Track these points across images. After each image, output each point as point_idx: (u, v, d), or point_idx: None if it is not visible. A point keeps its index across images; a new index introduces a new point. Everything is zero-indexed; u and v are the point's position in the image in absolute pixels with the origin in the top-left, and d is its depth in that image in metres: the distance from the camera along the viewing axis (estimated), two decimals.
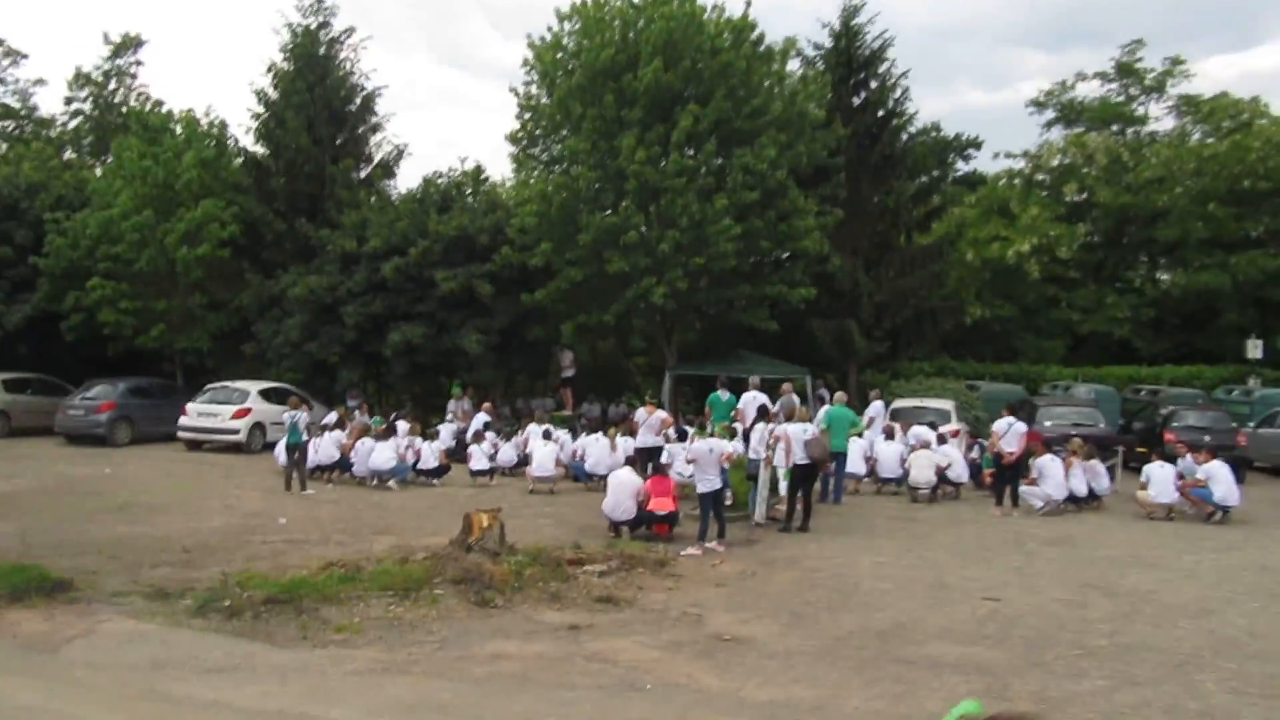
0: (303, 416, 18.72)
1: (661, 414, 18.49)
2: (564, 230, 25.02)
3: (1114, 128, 40.00)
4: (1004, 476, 17.52)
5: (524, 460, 21.39)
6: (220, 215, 28.33)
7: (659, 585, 11.58)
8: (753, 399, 20.60)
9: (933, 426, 21.31)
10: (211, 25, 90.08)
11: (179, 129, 30.47)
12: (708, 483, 13.61)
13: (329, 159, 30.13)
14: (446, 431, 22.83)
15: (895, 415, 22.73)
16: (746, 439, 20.13)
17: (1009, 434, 17.19)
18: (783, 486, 16.16)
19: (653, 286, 23.82)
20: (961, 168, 40.72)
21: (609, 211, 24.74)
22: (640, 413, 18.65)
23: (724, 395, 20.99)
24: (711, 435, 14.64)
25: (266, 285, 28.81)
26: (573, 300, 26.26)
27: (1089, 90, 41.16)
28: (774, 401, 20.52)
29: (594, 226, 24.09)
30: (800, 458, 15.17)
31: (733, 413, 20.83)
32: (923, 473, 18.62)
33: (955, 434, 20.96)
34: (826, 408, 18.67)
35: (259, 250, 30.14)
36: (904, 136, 29.91)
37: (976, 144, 43.45)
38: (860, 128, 28.69)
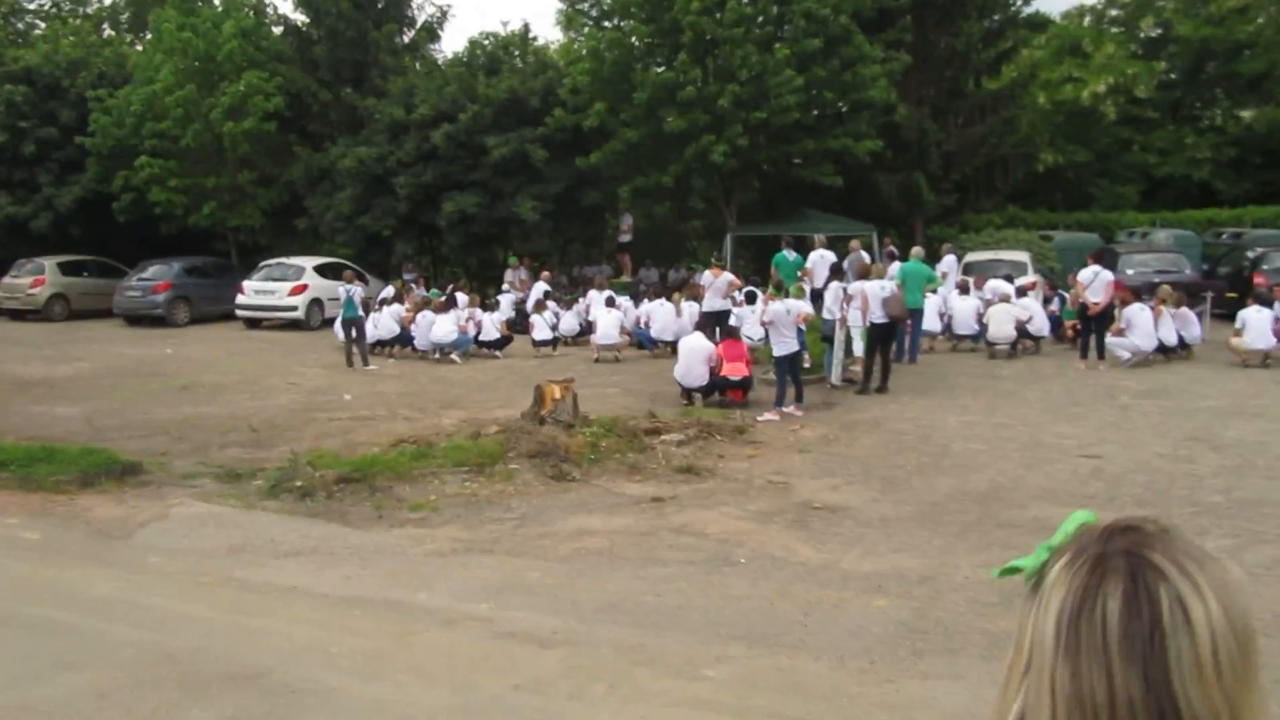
0: (358, 291, 18.36)
1: (728, 276, 17.85)
2: (618, 89, 24.06)
3: None
4: (1089, 328, 16.76)
5: (586, 329, 21.08)
6: (264, 87, 27.71)
7: (739, 453, 11.17)
8: (820, 258, 20.01)
9: (1008, 279, 20.52)
10: None
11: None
12: (784, 345, 13.07)
13: (371, 24, 29.20)
14: (506, 302, 22.43)
15: (968, 269, 21.97)
16: (816, 299, 19.71)
17: (1095, 283, 16.36)
18: (858, 347, 15.60)
19: (712, 144, 22.90)
20: (1023, 9, 38.44)
21: (664, 68, 23.68)
22: (706, 275, 18.03)
23: (790, 255, 20.33)
24: (787, 295, 14.01)
25: (315, 158, 28.34)
26: (629, 163, 25.41)
27: None
28: (841, 260, 19.94)
29: (649, 84, 23.11)
30: (878, 316, 14.54)
31: (800, 272, 20.28)
32: (1002, 327, 17.91)
33: (1032, 286, 20.16)
34: (898, 264, 17.91)
35: (305, 123, 29.65)
36: None
37: None
38: None
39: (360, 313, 18.32)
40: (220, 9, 28.82)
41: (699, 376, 13.96)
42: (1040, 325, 18.38)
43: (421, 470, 10.01)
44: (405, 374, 17.82)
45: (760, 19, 22.94)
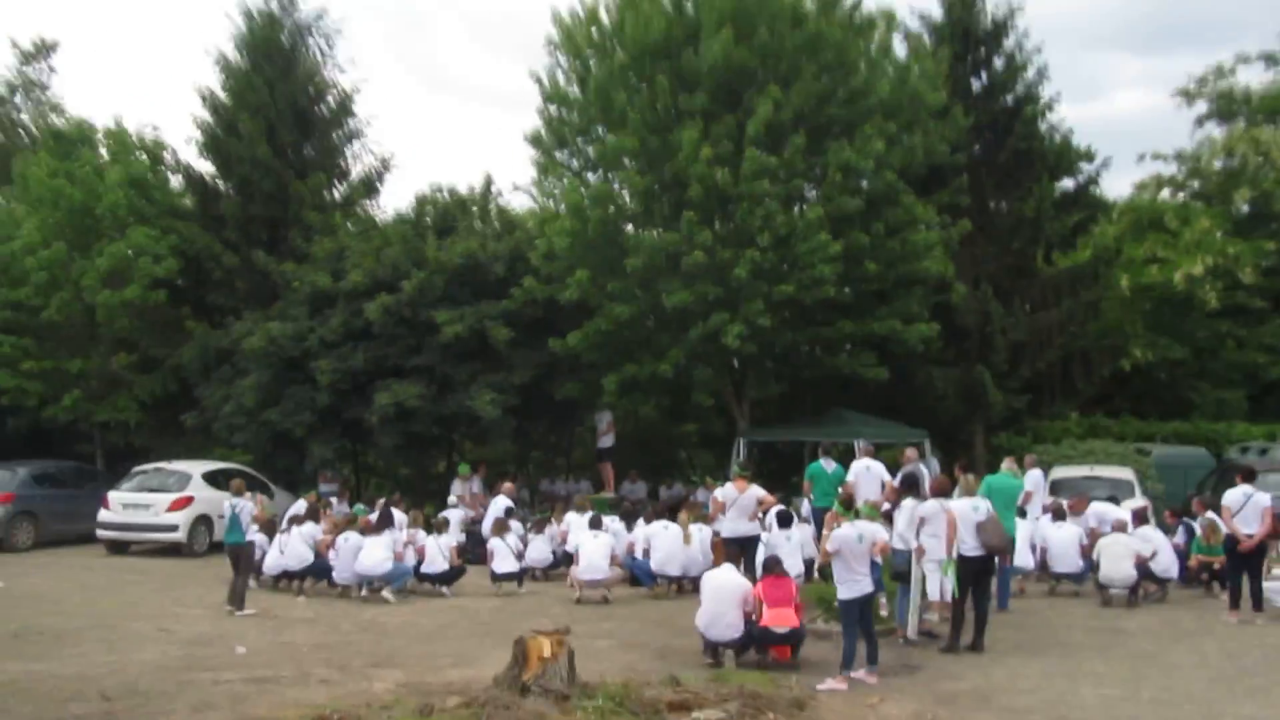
0: (247, 506, 16.81)
1: (758, 491, 16.50)
2: (605, 254, 23.37)
3: None
4: (1240, 567, 15.45)
5: (561, 559, 19.66)
6: (153, 248, 26.92)
7: None
8: (866, 470, 18.97)
9: (1113, 502, 19.39)
10: (141, 25, 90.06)
11: (102, 142, 29.24)
12: (854, 584, 11.63)
13: (293, 174, 28.71)
14: (455, 520, 20.90)
15: (1055, 489, 20.90)
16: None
17: (1247, 509, 15.14)
18: (941, 586, 14.15)
19: (725, 324, 21.96)
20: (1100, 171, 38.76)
21: (664, 229, 22.95)
22: (727, 489, 16.65)
23: (829, 466, 19.23)
24: (857, 516, 12.62)
25: (213, 337, 27.33)
26: (615, 347, 24.46)
27: (1252, 75, 39.45)
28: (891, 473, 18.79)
29: (645, 248, 22.38)
30: (970, 547, 13.18)
31: (840, 489, 19.08)
32: (1118, 565, 16.57)
33: (1142, 512, 18.97)
34: (963, 479, 16.63)
35: (204, 292, 28.83)
36: (1042, 126, 28.09)
37: (1089, 156, 41.56)
38: (985, 117, 26.97)
39: (249, 537, 16.74)
40: (107, 154, 28.24)
41: (731, 627, 12.46)
42: (1167, 564, 17.10)
43: None
44: (321, 617, 16.14)
45: (786, 171, 22.34)
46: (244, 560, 16.62)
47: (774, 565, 12.96)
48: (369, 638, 14.59)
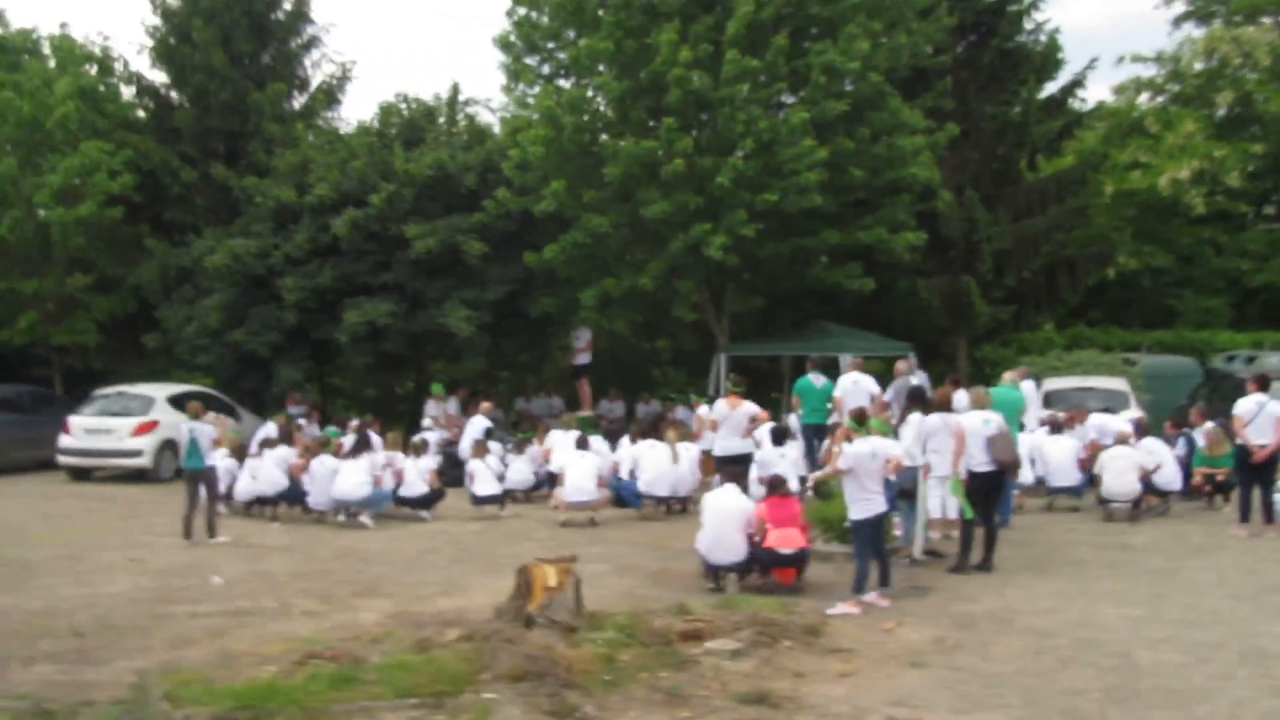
0: (205, 429, 15.98)
1: (751, 407, 15.93)
2: (580, 164, 22.52)
3: (1268, 19, 37.46)
4: (1251, 479, 15.06)
5: (544, 480, 19.15)
6: (108, 163, 25.86)
7: (824, 669, 9.09)
8: (854, 384, 18.59)
9: (1108, 414, 19.01)
10: None
11: (47, 52, 28.06)
12: (866, 504, 11.11)
13: (252, 84, 27.63)
14: (431, 442, 20.29)
15: (1048, 401, 20.55)
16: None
17: (1260, 419, 14.70)
18: (936, 506, 13.71)
19: (707, 235, 21.25)
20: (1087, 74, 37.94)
21: (642, 136, 22.12)
22: (718, 406, 16.10)
23: (817, 381, 18.82)
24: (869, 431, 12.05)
25: (174, 255, 26.36)
26: (591, 260, 23.74)
27: None
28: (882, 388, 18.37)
29: (623, 157, 21.50)
30: (981, 463, 12.69)
31: (829, 404, 18.63)
32: (1122, 479, 16.16)
33: (1141, 424, 18.58)
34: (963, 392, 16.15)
35: (161, 209, 27.78)
36: (1027, 25, 27.32)
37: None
38: (968, 17, 26.21)
39: (209, 461, 15.99)
40: (55, 63, 27.05)
41: (733, 549, 11.94)
42: (1171, 476, 16.73)
43: (347, 706, 7.79)
44: (298, 545, 15.56)
45: (769, 74, 21.55)
46: (209, 486, 15.91)
47: (778, 484, 12.43)
48: (350, 565, 14.04)
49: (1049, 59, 27.32)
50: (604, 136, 22.34)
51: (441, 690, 8.05)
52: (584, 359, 25.76)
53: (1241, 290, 33.15)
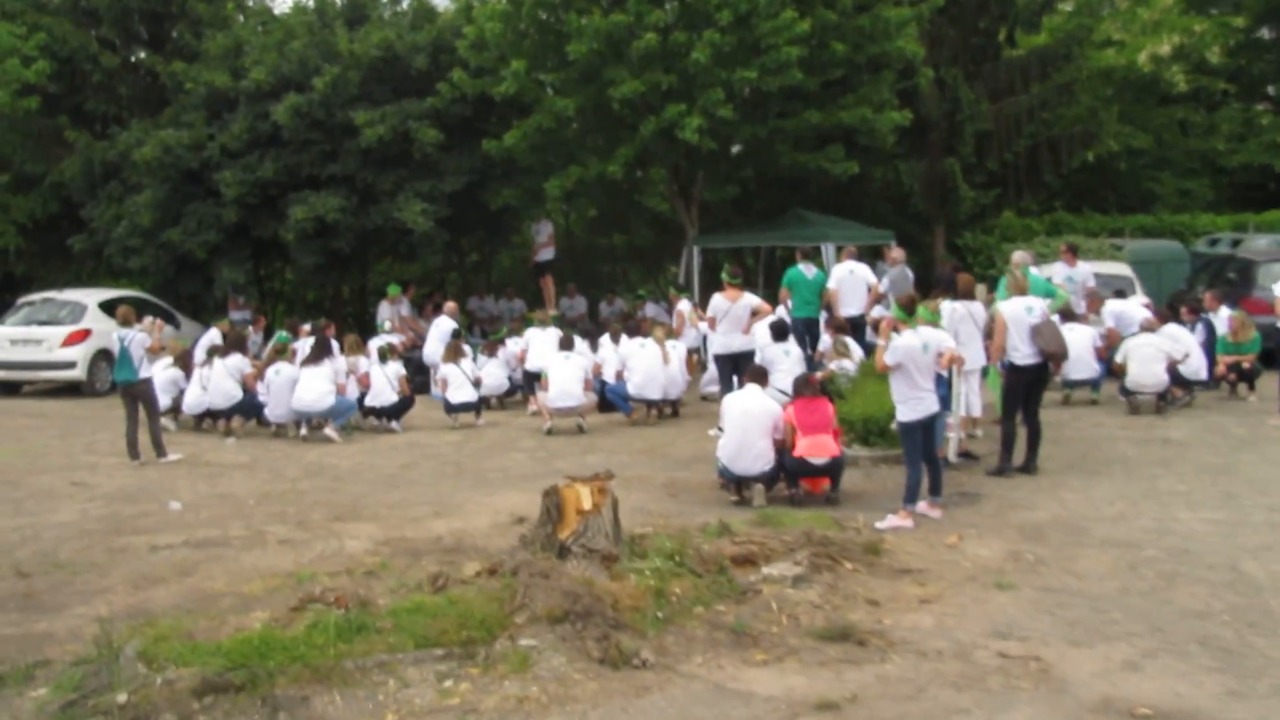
0: (138, 336, 14.37)
1: (752, 299, 14.72)
2: (543, 42, 20.91)
3: None
4: None
5: (519, 384, 17.97)
6: (20, 47, 23.68)
7: (900, 594, 7.99)
8: (849, 274, 17.58)
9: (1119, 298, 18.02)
10: None
11: None
12: (917, 404, 9.96)
13: None
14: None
15: None
16: (856, 332, 16.92)
17: None
18: (975, 403, 12.65)
19: (682, 116, 19.79)
20: None
21: (610, 10, 20.53)
22: (716, 301, 14.76)
23: (809, 271, 17.57)
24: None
25: (98, 149, 24.36)
26: (555, 147, 22.21)
27: None
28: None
29: (590, 32, 19.86)
30: (1025, 355, 11.57)
31: (822, 296, 17.48)
32: (1149, 369, 15.12)
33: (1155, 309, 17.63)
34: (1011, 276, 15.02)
35: (81, 98, 25.70)
36: None
37: None
38: None
39: (144, 373, 14.43)
40: None
41: (760, 457, 10.79)
42: (1198, 365, 15.68)
43: (361, 662, 6.54)
44: (259, 462, 14.20)
45: None
46: (146, 400, 14.39)
47: (804, 385, 11.24)
48: (321, 484, 12.73)
49: None
50: (570, 12, 20.62)
51: (471, 637, 6.83)
52: (547, 254, 24.28)
53: (1216, 171, 32.24)
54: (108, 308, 21.05)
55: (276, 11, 26.28)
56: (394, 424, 16.16)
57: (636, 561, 7.77)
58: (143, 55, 24.81)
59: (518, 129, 21.15)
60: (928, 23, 22.60)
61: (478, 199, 22.85)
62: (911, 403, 9.94)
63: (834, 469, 10.80)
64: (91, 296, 21.69)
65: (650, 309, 23.10)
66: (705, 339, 17.92)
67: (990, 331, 12.25)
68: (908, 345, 9.88)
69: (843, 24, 20.63)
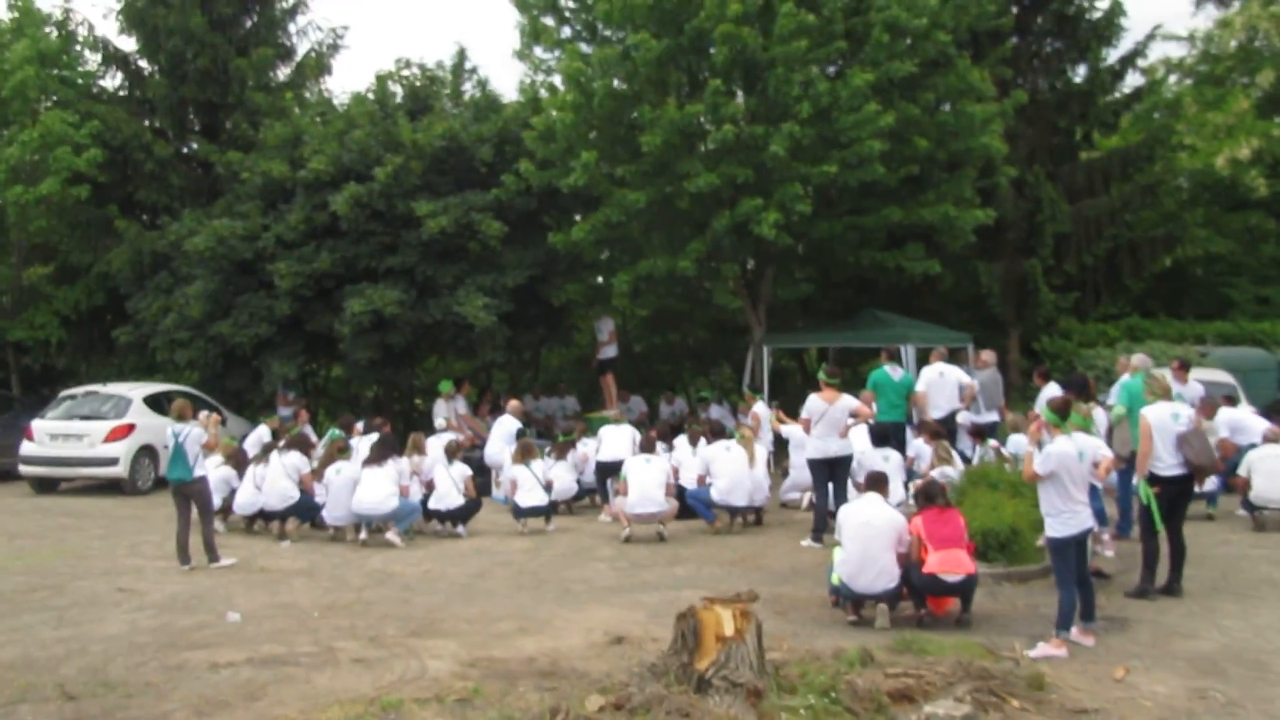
0: (193, 432, 13.47)
1: (851, 401, 13.81)
2: (613, 134, 20.45)
3: None
4: None
5: (588, 489, 17.22)
6: (72, 136, 23.45)
7: None
8: (939, 376, 16.96)
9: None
10: None
11: (2, 11, 25.78)
12: (1071, 518, 8.92)
13: (233, 49, 25.33)
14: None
15: None
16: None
17: None
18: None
19: (758, 211, 19.06)
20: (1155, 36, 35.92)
21: (684, 101, 19.91)
22: (813, 402, 13.82)
23: (895, 373, 16.86)
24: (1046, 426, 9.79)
25: (147, 239, 23.95)
26: (619, 242, 21.59)
27: None
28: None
29: (664, 124, 19.26)
30: (1170, 465, 10.55)
31: (910, 398, 16.69)
32: (1275, 482, 14.09)
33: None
34: (1123, 380, 14.04)
35: (132, 188, 25.34)
36: None
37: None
38: None
39: (199, 471, 13.47)
40: (9, 25, 24.58)
41: (884, 574, 9.77)
42: None
43: None
44: (318, 569, 13.22)
45: (824, 33, 19.36)
46: (200, 501, 13.43)
47: (936, 493, 10.24)
48: (390, 594, 11.73)
49: (1111, 24, 25.27)
50: (640, 104, 20.04)
51: None
52: (610, 352, 23.39)
53: None
54: (152, 402, 20.54)
55: (336, 103, 25.73)
56: (459, 528, 15.19)
57: (785, 697, 6.75)
58: (199, 144, 24.40)
59: (586, 222, 20.51)
60: (1012, 119, 21.96)
61: (539, 294, 22.17)
62: (1065, 516, 8.90)
63: (968, 587, 9.76)
64: (136, 390, 21.03)
65: (715, 411, 22.25)
66: (779, 442, 17.19)
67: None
68: (1062, 453, 8.87)
69: (924, 119, 20.04)
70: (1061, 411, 9.04)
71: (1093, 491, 9.57)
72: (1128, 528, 13.41)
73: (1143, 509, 10.70)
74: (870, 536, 9.82)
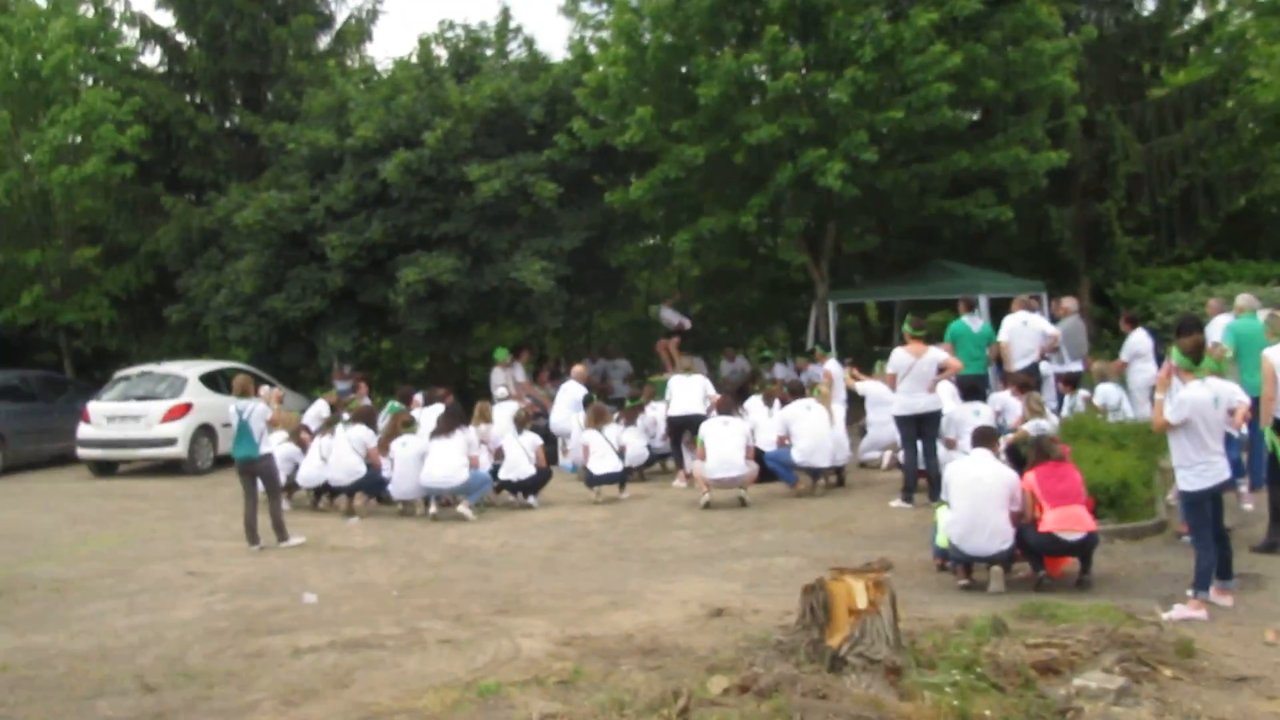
0: (257, 408, 12.99)
1: (939, 353, 13.27)
2: (668, 88, 19.82)
3: None
4: None
5: (659, 454, 16.80)
6: (114, 113, 23.20)
7: (1253, 711, 6.36)
8: (1023, 325, 16.15)
9: None
10: None
11: None
12: (1206, 470, 8.33)
13: (272, 19, 25.03)
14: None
15: None
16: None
17: None
18: None
19: (823, 161, 18.42)
20: None
21: (741, 50, 19.28)
22: (899, 356, 13.25)
23: (974, 324, 16.22)
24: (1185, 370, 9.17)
25: (195, 215, 23.71)
26: (678, 199, 21.00)
27: None
28: None
29: (721, 74, 18.66)
30: None
31: (989, 349, 16.01)
32: None
33: None
34: (1223, 320, 13.37)
35: (177, 164, 25.09)
36: None
37: None
38: None
39: (265, 448, 12.99)
40: (48, 4, 24.27)
41: (996, 534, 9.22)
42: None
43: None
44: (391, 545, 12.81)
45: None
46: (267, 478, 13.03)
47: (1049, 448, 9.64)
48: (469, 570, 11.28)
49: None
50: (695, 55, 19.43)
51: None
52: (682, 324, 22.80)
53: None
54: (209, 380, 20.22)
55: (379, 69, 25.30)
56: (531, 499, 14.75)
57: (925, 673, 6.21)
58: (243, 117, 24.14)
59: (645, 180, 19.95)
60: (1083, 55, 21.17)
61: (595, 257, 21.66)
62: (1200, 468, 8.29)
63: (1089, 546, 9.19)
64: (192, 369, 20.71)
65: (780, 370, 21.71)
66: (854, 400, 16.80)
67: None
68: (1196, 399, 8.25)
69: (991, 58, 19.29)
70: (1194, 354, 8.41)
71: (1229, 441, 8.91)
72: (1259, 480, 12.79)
73: (1270, 457, 10.08)
74: (981, 495, 9.26)
